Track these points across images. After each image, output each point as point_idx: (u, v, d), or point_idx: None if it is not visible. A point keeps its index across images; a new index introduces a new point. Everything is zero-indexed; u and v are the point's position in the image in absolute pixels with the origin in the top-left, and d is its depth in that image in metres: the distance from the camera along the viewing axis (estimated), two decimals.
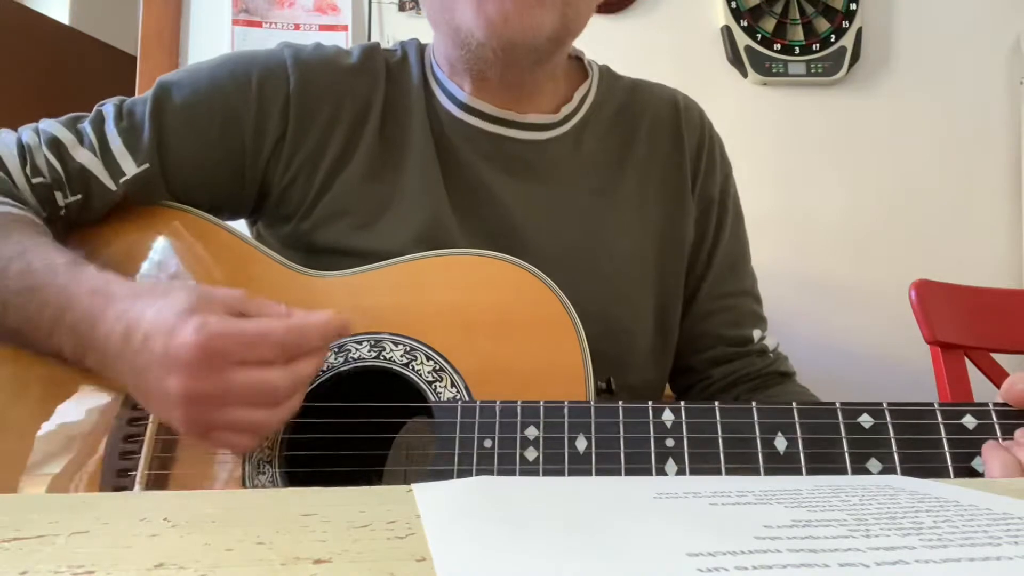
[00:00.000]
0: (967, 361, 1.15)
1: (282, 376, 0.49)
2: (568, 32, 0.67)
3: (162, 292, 0.51)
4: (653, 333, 0.72)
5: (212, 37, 1.77)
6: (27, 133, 0.65)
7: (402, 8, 1.78)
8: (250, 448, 0.51)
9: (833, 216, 1.75)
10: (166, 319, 0.48)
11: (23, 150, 0.63)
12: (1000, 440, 0.48)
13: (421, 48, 0.76)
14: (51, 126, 0.65)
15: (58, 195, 0.63)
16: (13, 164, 0.63)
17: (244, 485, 0.53)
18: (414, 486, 0.32)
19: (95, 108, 0.68)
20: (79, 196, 0.64)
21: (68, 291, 0.53)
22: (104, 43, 2.48)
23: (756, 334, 0.77)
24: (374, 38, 1.78)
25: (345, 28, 1.78)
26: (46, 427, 0.55)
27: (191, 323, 0.47)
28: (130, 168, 0.64)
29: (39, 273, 0.54)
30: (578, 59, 0.79)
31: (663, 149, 0.75)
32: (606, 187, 0.72)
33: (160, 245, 0.65)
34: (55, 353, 0.54)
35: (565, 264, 0.63)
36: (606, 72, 0.79)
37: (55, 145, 0.64)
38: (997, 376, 1.14)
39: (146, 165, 0.65)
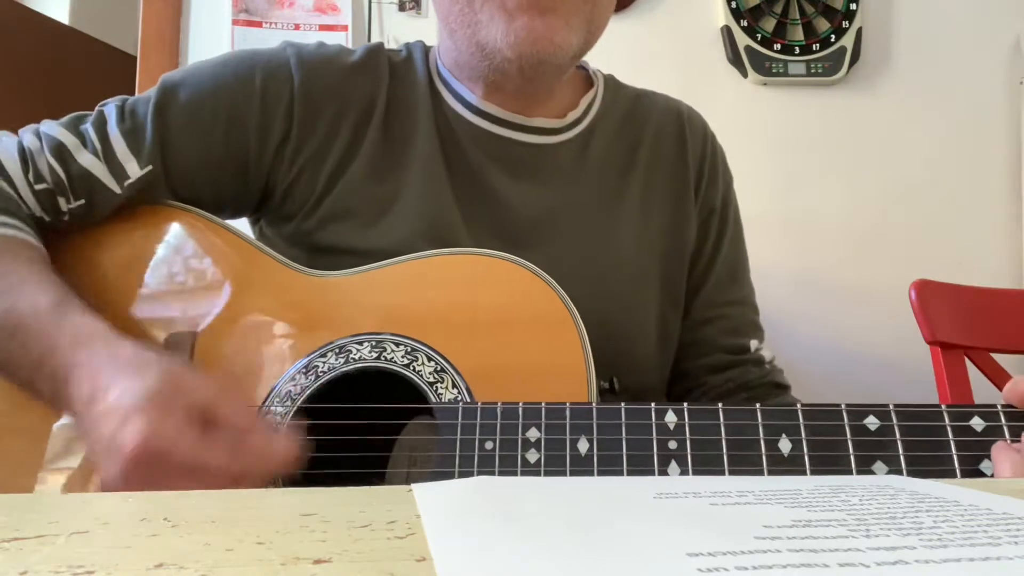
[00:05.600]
0: (967, 361, 1.15)
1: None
2: (587, 49, 0.69)
3: (136, 367, 0.48)
4: (654, 340, 0.72)
5: (212, 37, 1.76)
6: (28, 137, 0.64)
7: (402, 8, 1.78)
8: None
9: (833, 216, 1.74)
10: (123, 405, 0.45)
11: (25, 155, 0.63)
12: (1008, 442, 0.47)
13: (426, 50, 0.76)
14: (53, 129, 0.64)
15: (61, 200, 0.63)
16: (15, 170, 0.62)
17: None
18: (414, 486, 0.32)
19: (97, 108, 0.67)
20: (82, 201, 0.63)
21: (51, 338, 0.52)
22: (104, 43, 2.47)
23: (753, 344, 0.77)
24: (374, 38, 1.78)
25: (345, 28, 1.77)
26: (57, 428, 0.55)
27: (139, 422, 0.44)
28: (134, 170, 0.64)
29: (23, 316, 0.53)
30: (582, 68, 0.79)
31: (667, 158, 0.76)
32: (610, 194, 0.72)
33: (162, 246, 0.64)
34: (35, 392, 0.53)
35: (568, 268, 0.63)
36: (611, 81, 0.80)
37: (58, 149, 0.63)
38: (997, 376, 1.14)
39: (149, 167, 0.64)
